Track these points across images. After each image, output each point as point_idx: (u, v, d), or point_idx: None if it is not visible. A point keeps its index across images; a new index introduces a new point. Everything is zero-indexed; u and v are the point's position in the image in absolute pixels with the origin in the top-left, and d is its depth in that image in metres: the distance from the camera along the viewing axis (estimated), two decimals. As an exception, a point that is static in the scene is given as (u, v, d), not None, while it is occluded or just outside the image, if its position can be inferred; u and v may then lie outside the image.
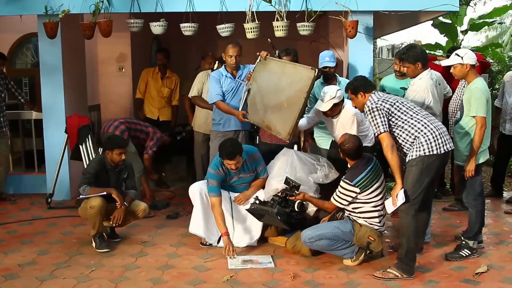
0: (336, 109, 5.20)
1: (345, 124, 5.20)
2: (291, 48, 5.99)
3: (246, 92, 5.61)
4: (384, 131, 4.47)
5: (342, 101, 5.20)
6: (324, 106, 5.13)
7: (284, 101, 5.18)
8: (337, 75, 5.93)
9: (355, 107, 4.89)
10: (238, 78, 5.82)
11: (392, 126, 4.53)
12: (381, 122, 4.48)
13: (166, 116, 7.91)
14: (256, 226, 5.36)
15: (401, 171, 4.49)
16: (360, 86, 4.69)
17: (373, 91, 4.66)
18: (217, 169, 5.26)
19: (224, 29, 6.31)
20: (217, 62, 6.57)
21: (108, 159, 5.34)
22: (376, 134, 4.54)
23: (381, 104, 4.51)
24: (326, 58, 5.78)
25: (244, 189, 5.46)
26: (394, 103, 4.53)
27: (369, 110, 4.53)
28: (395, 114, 4.50)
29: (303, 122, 5.46)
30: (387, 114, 4.50)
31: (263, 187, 5.42)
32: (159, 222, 6.16)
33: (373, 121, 4.52)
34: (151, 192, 6.92)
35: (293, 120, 5.11)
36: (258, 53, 5.54)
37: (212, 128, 6.06)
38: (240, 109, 5.63)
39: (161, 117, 7.90)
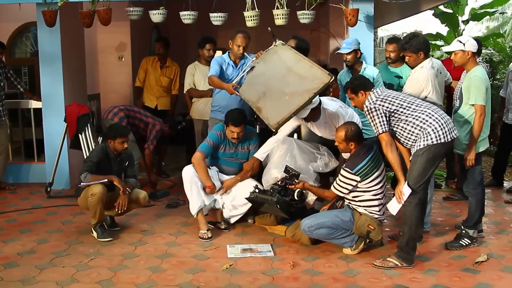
0: (315, 113, 5.10)
1: (332, 122, 5.15)
2: (302, 38, 5.99)
3: (249, 68, 5.51)
4: (383, 131, 4.48)
5: (320, 103, 5.10)
6: (303, 113, 5.01)
7: (288, 93, 5.02)
8: (364, 61, 5.88)
9: (355, 106, 4.85)
10: (239, 67, 5.80)
11: (396, 121, 4.51)
12: (380, 122, 4.47)
13: (164, 105, 7.89)
14: (244, 204, 5.41)
15: (402, 169, 4.49)
16: (359, 85, 4.68)
17: (372, 89, 4.64)
18: (219, 131, 5.41)
19: (217, 18, 6.27)
20: (220, 51, 6.56)
21: (111, 148, 5.32)
22: (376, 134, 4.55)
23: (379, 104, 4.49)
24: (343, 45, 5.75)
25: (235, 164, 5.56)
26: (395, 100, 4.51)
27: (368, 110, 4.54)
28: (397, 111, 4.48)
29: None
30: (386, 113, 4.48)
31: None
32: (159, 211, 6.16)
33: (372, 121, 4.54)
34: (155, 178, 6.93)
35: (288, 114, 4.89)
36: (277, 39, 5.50)
37: (210, 115, 6.06)
38: (234, 81, 5.55)
39: (159, 106, 7.87)
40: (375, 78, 5.62)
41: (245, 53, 5.79)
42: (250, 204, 5.40)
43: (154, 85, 7.81)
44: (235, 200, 5.44)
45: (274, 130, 5.05)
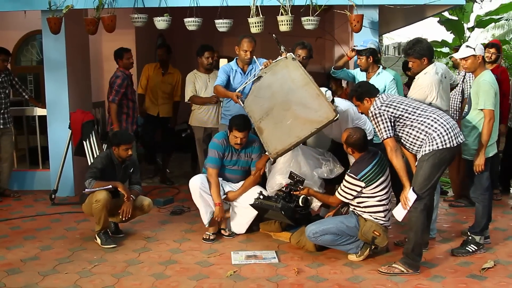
0: None
1: (341, 121, 5.09)
2: (308, 43, 5.95)
3: (255, 77, 5.45)
4: (388, 137, 4.45)
5: (333, 101, 5.05)
6: None
7: (290, 117, 4.96)
8: (381, 65, 5.78)
9: (361, 113, 4.83)
10: (248, 73, 5.79)
11: (401, 127, 4.49)
12: (385, 128, 4.45)
13: (166, 112, 7.83)
14: (249, 213, 5.41)
15: (407, 174, 4.46)
16: (364, 92, 4.66)
17: (378, 95, 4.62)
18: (221, 139, 5.38)
19: (222, 24, 6.27)
20: (225, 60, 6.55)
21: (115, 155, 5.32)
22: (381, 140, 4.53)
23: (384, 109, 4.47)
24: (361, 43, 5.71)
25: (238, 172, 5.53)
26: (400, 105, 4.48)
27: (373, 116, 4.52)
28: (402, 116, 4.45)
29: None
30: (391, 118, 4.46)
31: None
32: (163, 218, 6.14)
33: (377, 127, 4.52)
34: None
35: (287, 145, 4.88)
36: (288, 49, 5.49)
37: (221, 121, 6.06)
38: (237, 90, 5.53)
39: (161, 113, 7.83)
40: (387, 85, 5.55)
41: (253, 58, 5.77)
42: (254, 213, 5.39)
43: (156, 92, 7.75)
44: (240, 204, 5.44)
45: (271, 159, 5.10)
